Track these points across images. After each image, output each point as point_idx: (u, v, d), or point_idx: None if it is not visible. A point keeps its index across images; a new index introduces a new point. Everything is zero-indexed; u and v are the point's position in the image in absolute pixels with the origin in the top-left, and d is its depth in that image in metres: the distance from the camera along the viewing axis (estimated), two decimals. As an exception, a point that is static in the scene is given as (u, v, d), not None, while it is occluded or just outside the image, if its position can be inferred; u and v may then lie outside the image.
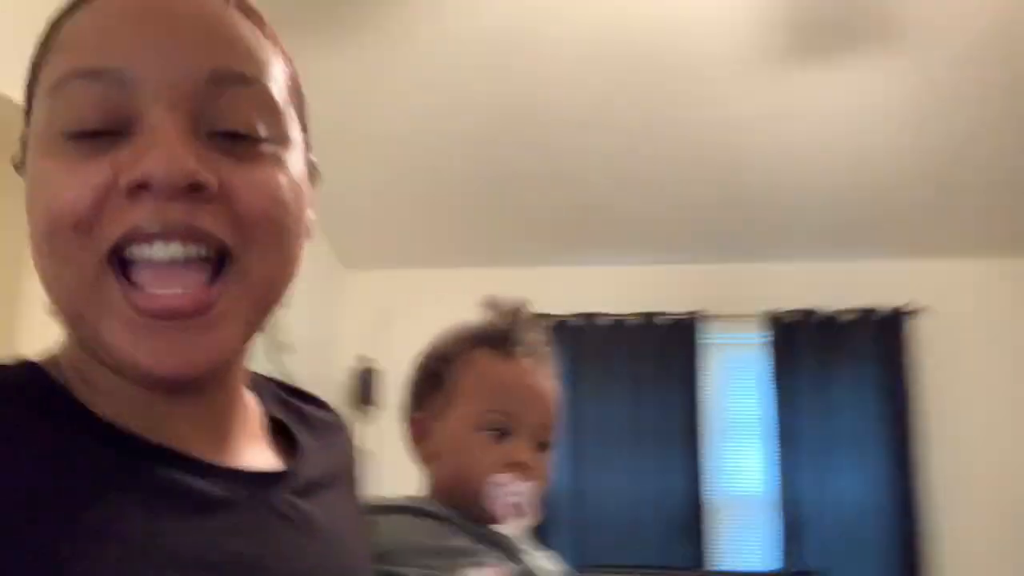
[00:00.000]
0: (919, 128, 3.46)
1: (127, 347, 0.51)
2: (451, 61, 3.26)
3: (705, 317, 4.27)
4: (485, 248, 4.40)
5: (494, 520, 0.99)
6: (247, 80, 0.55)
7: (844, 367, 4.12)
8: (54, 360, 0.57)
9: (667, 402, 4.17)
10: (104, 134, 0.51)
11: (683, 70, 3.25)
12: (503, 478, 0.99)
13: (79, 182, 0.50)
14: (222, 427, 0.61)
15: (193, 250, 0.51)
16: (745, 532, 4.14)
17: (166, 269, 0.51)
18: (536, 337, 1.11)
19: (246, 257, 0.53)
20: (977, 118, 3.37)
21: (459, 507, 1.02)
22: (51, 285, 0.53)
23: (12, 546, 0.46)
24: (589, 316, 4.32)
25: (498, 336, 1.09)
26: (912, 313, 4.10)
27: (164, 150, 0.50)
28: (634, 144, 3.64)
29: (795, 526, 3.96)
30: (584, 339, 4.25)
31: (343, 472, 0.73)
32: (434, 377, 1.09)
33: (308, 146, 0.62)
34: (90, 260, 0.50)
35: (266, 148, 0.55)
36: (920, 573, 3.87)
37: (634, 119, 3.51)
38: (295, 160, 0.58)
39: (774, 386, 4.14)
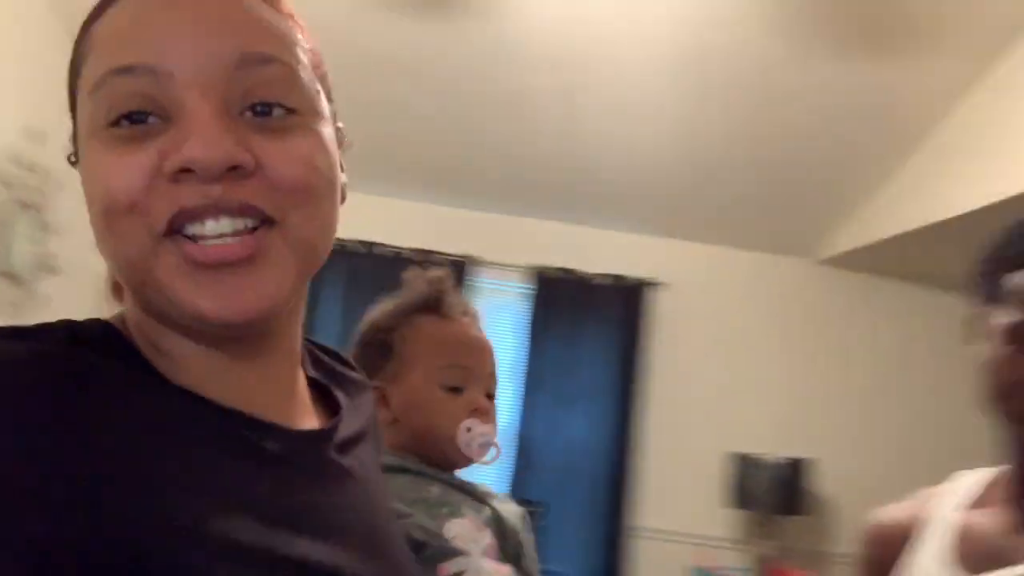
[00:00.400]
0: (687, 124, 3.88)
1: (188, 296, 0.55)
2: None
3: (476, 261, 4.57)
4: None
5: (469, 463, 1.13)
6: (271, 59, 0.57)
7: (591, 325, 4.57)
8: (123, 324, 0.62)
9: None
10: (146, 120, 0.55)
11: (495, 27, 3.44)
12: (472, 423, 1.10)
13: (129, 168, 0.54)
14: (282, 390, 0.66)
15: (240, 223, 0.55)
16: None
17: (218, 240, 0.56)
18: (464, 298, 1.22)
19: (287, 221, 0.57)
20: (740, 123, 3.84)
21: (426, 461, 1.12)
22: (114, 260, 0.57)
23: (104, 485, 0.49)
24: (368, 244, 4.48)
25: (434, 301, 1.18)
26: (655, 285, 4.62)
27: (202, 136, 0.53)
28: (433, 87, 3.79)
29: (527, 461, 4.40)
30: (360, 266, 4.42)
31: (369, 429, 0.77)
32: (382, 348, 1.16)
33: (335, 115, 0.65)
34: (146, 236, 0.54)
35: (295, 120, 0.58)
36: (623, 509, 4.45)
37: (439, 62, 3.65)
38: (324, 129, 0.61)
39: (528, 334, 4.52)
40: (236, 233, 0.55)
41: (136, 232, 0.54)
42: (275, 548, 0.55)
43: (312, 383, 0.73)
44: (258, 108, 0.57)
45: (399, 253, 4.50)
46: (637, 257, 4.64)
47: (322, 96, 0.62)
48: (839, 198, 4.24)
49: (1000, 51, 3.24)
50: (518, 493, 4.31)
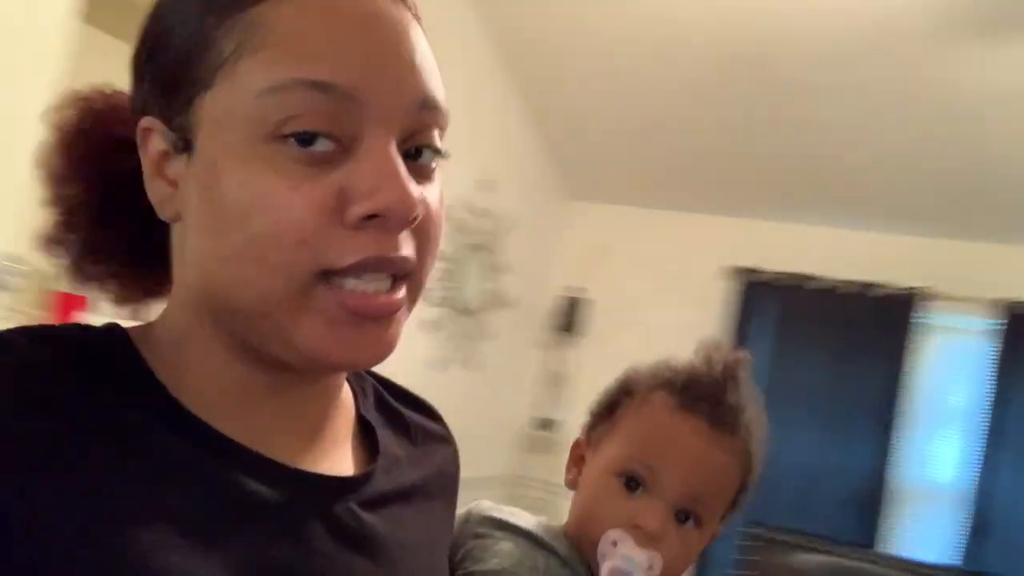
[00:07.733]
0: None
1: (323, 343, 0.52)
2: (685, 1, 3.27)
3: (926, 295, 4.08)
4: (704, 194, 4.40)
5: None
6: (438, 105, 0.55)
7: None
8: (145, 333, 0.58)
9: (870, 377, 4.06)
10: (313, 142, 0.50)
11: (933, 32, 3.07)
12: (621, 537, 0.86)
13: (305, 202, 0.50)
14: (309, 423, 0.61)
15: (392, 277, 0.54)
16: (928, 522, 4.01)
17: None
18: (737, 401, 0.93)
19: (417, 269, 0.55)
20: None
21: (581, 550, 0.90)
22: (243, 285, 0.52)
23: (46, 518, 0.46)
24: (801, 277, 4.24)
25: (690, 385, 0.92)
26: None
27: (399, 186, 0.51)
28: (874, 103, 3.49)
29: (983, 524, 3.80)
30: (792, 300, 4.20)
31: (436, 487, 0.71)
32: (610, 406, 0.97)
33: None
34: (304, 272, 0.51)
35: (435, 164, 0.57)
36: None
37: (876, 77, 3.35)
38: (440, 171, 0.58)
39: (993, 377, 3.92)
40: (388, 289, 0.54)
41: (292, 267, 0.50)
42: None
43: (367, 427, 0.67)
44: (412, 150, 0.55)
45: (836, 287, 4.20)
46: None
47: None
48: None
49: None
50: (971, 563, 3.74)
